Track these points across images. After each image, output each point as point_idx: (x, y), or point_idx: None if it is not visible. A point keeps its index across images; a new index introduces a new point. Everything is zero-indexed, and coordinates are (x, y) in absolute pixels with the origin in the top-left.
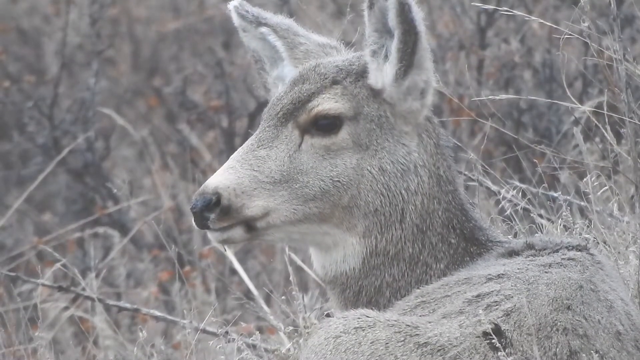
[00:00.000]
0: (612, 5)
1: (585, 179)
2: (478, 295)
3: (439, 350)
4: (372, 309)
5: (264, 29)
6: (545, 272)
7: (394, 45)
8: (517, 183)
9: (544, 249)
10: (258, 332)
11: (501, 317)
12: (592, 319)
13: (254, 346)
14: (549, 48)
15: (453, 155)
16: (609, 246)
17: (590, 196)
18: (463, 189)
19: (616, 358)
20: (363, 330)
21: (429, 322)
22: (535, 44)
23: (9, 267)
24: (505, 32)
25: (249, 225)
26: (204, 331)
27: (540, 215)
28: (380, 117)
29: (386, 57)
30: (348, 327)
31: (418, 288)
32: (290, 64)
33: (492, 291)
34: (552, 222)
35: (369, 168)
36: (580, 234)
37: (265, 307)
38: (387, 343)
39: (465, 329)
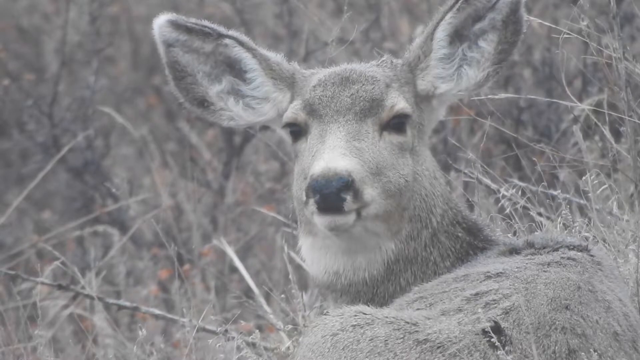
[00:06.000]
0: (612, 4)
1: (584, 177)
2: (477, 294)
3: (438, 348)
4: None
5: (228, 41)
6: (544, 271)
7: (491, 46)
8: (516, 181)
9: (544, 248)
10: (257, 330)
11: (500, 315)
12: (590, 319)
13: (253, 344)
14: (548, 46)
15: None
16: (608, 244)
17: (589, 194)
18: None
19: (614, 358)
20: (361, 327)
21: (428, 319)
22: (535, 42)
23: (9, 265)
24: None
25: (359, 212)
26: (204, 329)
27: (540, 214)
28: (420, 124)
29: (464, 61)
30: (345, 325)
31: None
32: (264, 76)
33: (491, 290)
34: (552, 221)
35: (417, 171)
36: (580, 233)
37: (265, 306)
38: (387, 340)
39: (464, 326)
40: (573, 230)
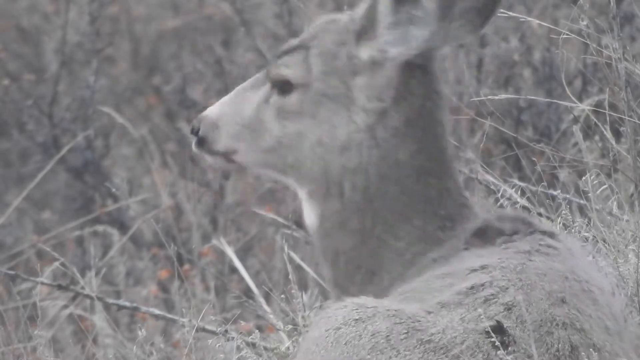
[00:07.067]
0: (612, 4)
1: (584, 178)
2: (472, 287)
3: (441, 348)
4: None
5: None
6: (530, 260)
7: (433, 2)
8: (516, 181)
9: (515, 233)
10: (257, 330)
11: (502, 312)
12: (584, 312)
13: (253, 345)
14: (548, 46)
15: (438, 136)
16: (608, 244)
17: (589, 194)
18: (451, 172)
19: (611, 352)
20: (363, 322)
21: (429, 313)
22: (535, 43)
23: (9, 265)
24: (505, 31)
25: (228, 158)
26: (204, 330)
27: (540, 214)
28: (341, 89)
29: (409, 21)
30: (348, 319)
31: (399, 287)
32: None
33: (485, 282)
34: (552, 221)
35: (310, 137)
36: (580, 232)
37: (264, 306)
38: (388, 335)
39: (467, 323)
40: (573, 230)
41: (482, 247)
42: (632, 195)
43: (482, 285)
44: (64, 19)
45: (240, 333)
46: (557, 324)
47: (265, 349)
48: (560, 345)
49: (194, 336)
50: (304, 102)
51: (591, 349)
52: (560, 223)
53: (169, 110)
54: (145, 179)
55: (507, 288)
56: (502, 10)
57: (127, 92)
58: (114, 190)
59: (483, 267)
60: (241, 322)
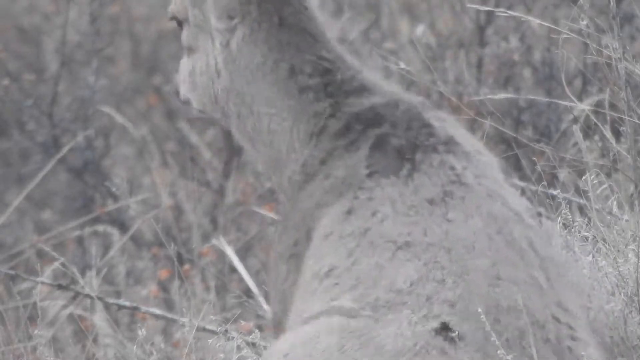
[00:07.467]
0: (612, 4)
1: (584, 177)
2: (411, 285)
3: (397, 354)
4: None
5: None
6: (448, 220)
7: None
8: (516, 181)
9: (416, 149)
10: (257, 330)
11: (446, 309)
12: (517, 281)
13: (253, 344)
14: (548, 46)
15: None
16: (608, 244)
17: (589, 194)
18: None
19: (554, 323)
20: (311, 341)
21: (377, 321)
22: (535, 42)
23: (9, 265)
24: (505, 30)
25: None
26: (203, 329)
27: (540, 213)
28: (202, 19)
29: None
30: (293, 343)
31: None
32: None
33: (422, 276)
34: (552, 220)
35: (197, 70)
36: (580, 232)
37: (264, 306)
38: (341, 348)
39: (415, 327)
40: (573, 230)
41: (387, 179)
42: (632, 195)
43: (420, 279)
44: (64, 19)
45: (240, 333)
46: (501, 310)
47: (265, 348)
48: (509, 334)
49: (194, 336)
50: (188, 37)
51: (536, 327)
52: (560, 223)
53: (169, 110)
54: (145, 179)
55: (443, 280)
56: (502, 10)
57: (127, 92)
58: (114, 190)
59: (408, 245)
60: (241, 321)
